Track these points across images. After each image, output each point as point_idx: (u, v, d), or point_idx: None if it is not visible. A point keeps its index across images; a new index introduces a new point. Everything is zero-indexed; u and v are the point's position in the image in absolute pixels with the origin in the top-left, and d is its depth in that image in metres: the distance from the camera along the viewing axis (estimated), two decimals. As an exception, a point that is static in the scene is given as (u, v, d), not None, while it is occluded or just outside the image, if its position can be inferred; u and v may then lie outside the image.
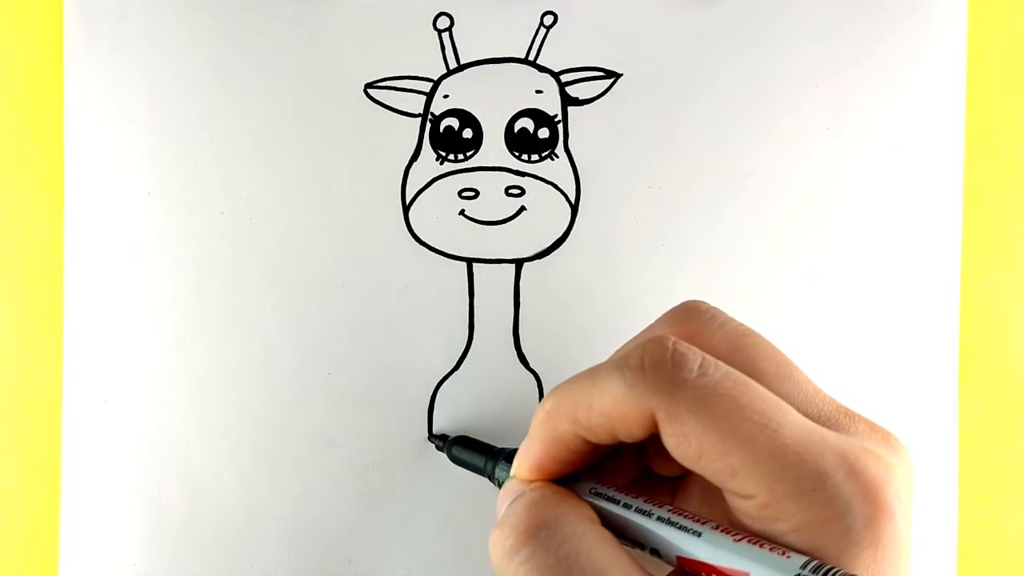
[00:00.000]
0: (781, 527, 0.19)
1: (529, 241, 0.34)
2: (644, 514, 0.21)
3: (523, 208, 0.34)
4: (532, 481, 0.23)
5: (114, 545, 0.33)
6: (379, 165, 0.34)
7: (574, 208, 0.34)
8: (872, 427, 0.21)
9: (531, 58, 0.34)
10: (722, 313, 0.23)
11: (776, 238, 0.34)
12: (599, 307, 0.34)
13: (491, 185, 0.34)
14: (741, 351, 0.22)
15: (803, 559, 0.18)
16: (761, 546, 0.19)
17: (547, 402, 0.22)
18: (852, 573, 0.18)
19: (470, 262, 0.34)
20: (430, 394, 0.34)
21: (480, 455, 0.30)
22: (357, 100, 0.34)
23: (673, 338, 0.21)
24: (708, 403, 0.20)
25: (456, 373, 0.34)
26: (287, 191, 0.34)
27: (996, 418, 0.35)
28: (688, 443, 0.20)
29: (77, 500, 0.34)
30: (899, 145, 0.34)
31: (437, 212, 0.34)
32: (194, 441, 0.33)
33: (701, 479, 0.21)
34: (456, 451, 0.31)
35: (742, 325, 0.23)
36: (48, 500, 0.34)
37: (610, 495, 0.22)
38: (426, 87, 0.34)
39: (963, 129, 0.34)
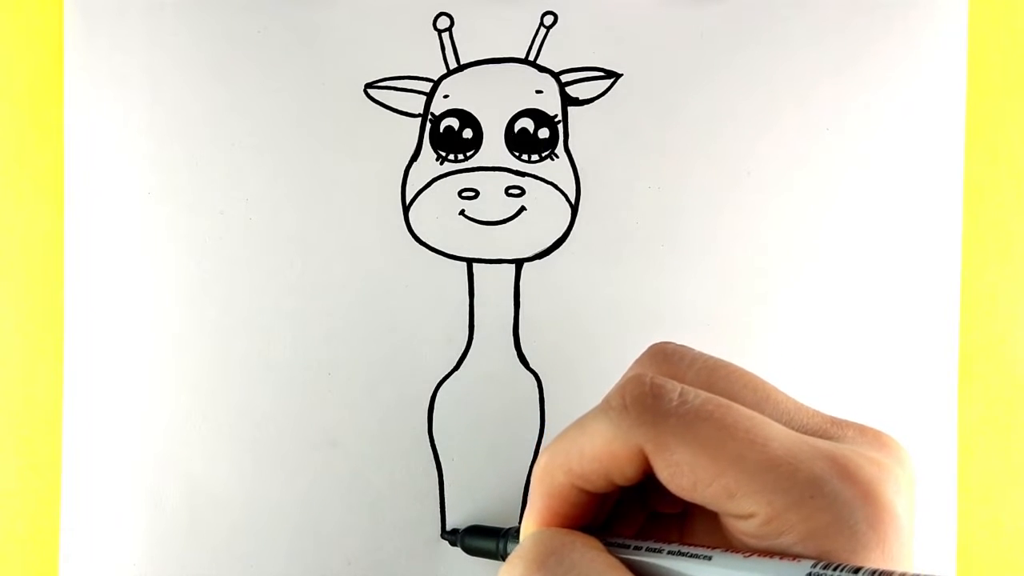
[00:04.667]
0: (787, 540, 0.19)
1: (529, 241, 0.34)
2: (654, 552, 0.21)
3: (523, 208, 0.34)
4: None
5: (114, 545, 0.33)
6: (379, 165, 0.34)
7: (574, 208, 0.34)
8: (862, 430, 0.21)
9: (531, 58, 0.34)
10: (691, 350, 0.23)
11: (776, 238, 0.34)
12: (599, 307, 0.34)
13: (491, 185, 0.34)
14: (715, 384, 0.22)
15: (812, 561, 0.18)
16: (771, 557, 0.19)
17: (542, 458, 0.23)
18: (860, 566, 0.18)
19: (470, 262, 0.34)
20: (430, 394, 0.34)
21: (490, 538, 0.30)
22: (357, 100, 0.34)
23: (650, 373, 0.21)
24: (693, 428, 0.20)
25: (456, 373, 0.34)
26: (287, 191, 0.34)
27: (995, 418, 0.35)
28: (681, 471, 0.20)
29: (77, 500, 0.34)
30: (899, 144, 0.34)
31: (437, 212, 0.34)
32: (194, 441, 0.34)
33: (702, 511, 0.21)
34: (468, 540, 0.32)
35: (712, 358, 0.23)
36: (49, 500, 0.34)
37: (619, 542, 0.22)
38: (426, 87, 0.34)
39: (963, 128, 0.34)
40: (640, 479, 0.21)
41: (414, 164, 0.34)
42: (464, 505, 0.33)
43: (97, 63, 0.34)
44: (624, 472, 0.21)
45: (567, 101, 0.34)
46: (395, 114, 0.34)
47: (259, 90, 0.34)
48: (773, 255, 0.34)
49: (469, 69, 0.34)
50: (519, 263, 0.34)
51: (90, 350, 0.34)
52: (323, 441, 0.34)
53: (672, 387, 0.21)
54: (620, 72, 0.34)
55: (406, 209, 0.34)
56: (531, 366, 0.34)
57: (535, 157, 0.34)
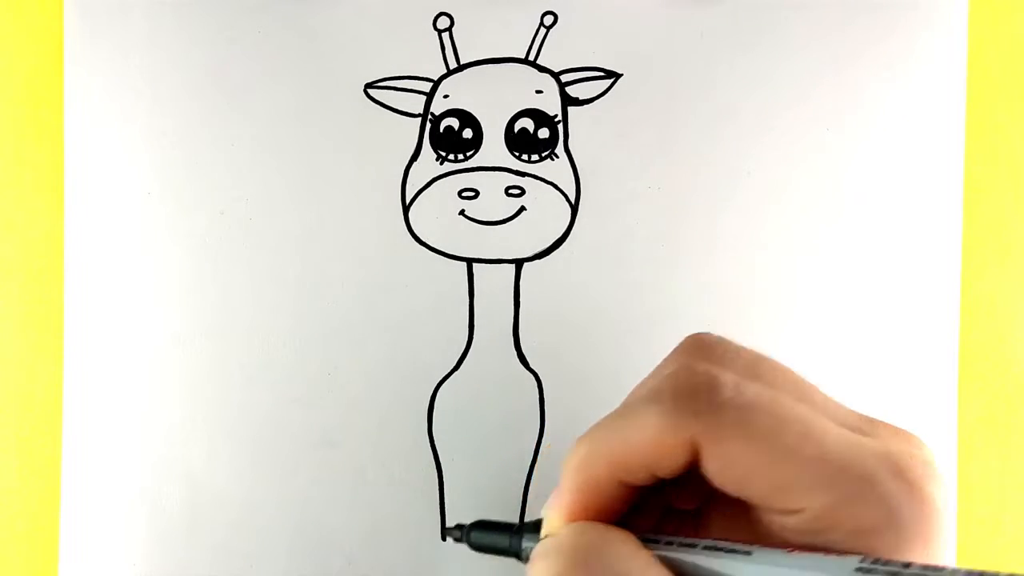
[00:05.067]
0: (833, 536, 0.19)
1: (529, 241, 0.34)
2: (688, 548, 0.21)
3: (523, 208, 0.34)
4: None
5: (114, 545, 0.33)
6: (379, 165, 0.34)
7: (574, 208, 0.34)
8: (896, 430, 0.21)
9: (531, 58, 0.34)
10: (731, 342, 0.23)
11: (776, 238, 0.34)
12: (599, 307, 0.34)
13: (491, 185, 0.34)
14: (759, 378, 0.21)
15: (860, 556, 0.18)
16: (815, 552, 0.19)
17: (580, 449, 0.22)
18: (911, 562, 0.18)
19: (470, 262, 0.34)
20: (430, 394, 0.34)
21: (502, 533, 0.28)
22: (357, 100, 0.34)
23: (702, 364, 0.21)
24: (750, 420, 0.19)
25: (456, 373, 0.34)
26: (287, 191, 0.34)
27: (995, 418, 0.35)
28: (734, 464, 0.19)
29: (77, 500, 0.34)
30: (899, 145, 0.34)
31: (437, 212, 0.34)
32: (194, 441, 0.34)
33: (723, 507, 0.21)
34: (476, 536, 0.29)
35: (753, 351, 0.22)
36: (48, 500, 0.34)
37: (651, 537, 0.21)
38: (426, 87, 0.34)
39: (963, 128, 0.34)
40: (683, 472, 0.21)
41: (414, 164, 0.34)
42: (464, 505, 0.33)
43: (97, 63, 0.34)
44: (671, 464, 0.20)
45: (567, 101, 0.34)
46: (395, 114, 0.34)
47: (259, 90, 0.34)
48: (773, 255, 0.34)
49: (469, 69, 0.34)
50: (519, 263, 0.34)
51: (90, 350, 0.34)
52: (323, 441, 0.34)
53: (728, 378, 0.20)
54: (620, 72, 0.34)
55: (406, 209, 0.34)
56: (531, 366, 0.34)
57: (535, 157, 0.34)
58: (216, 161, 0.34)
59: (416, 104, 0.34)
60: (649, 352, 0.33)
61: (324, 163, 0.34)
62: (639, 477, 0.21)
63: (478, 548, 0.29)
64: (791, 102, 0.34)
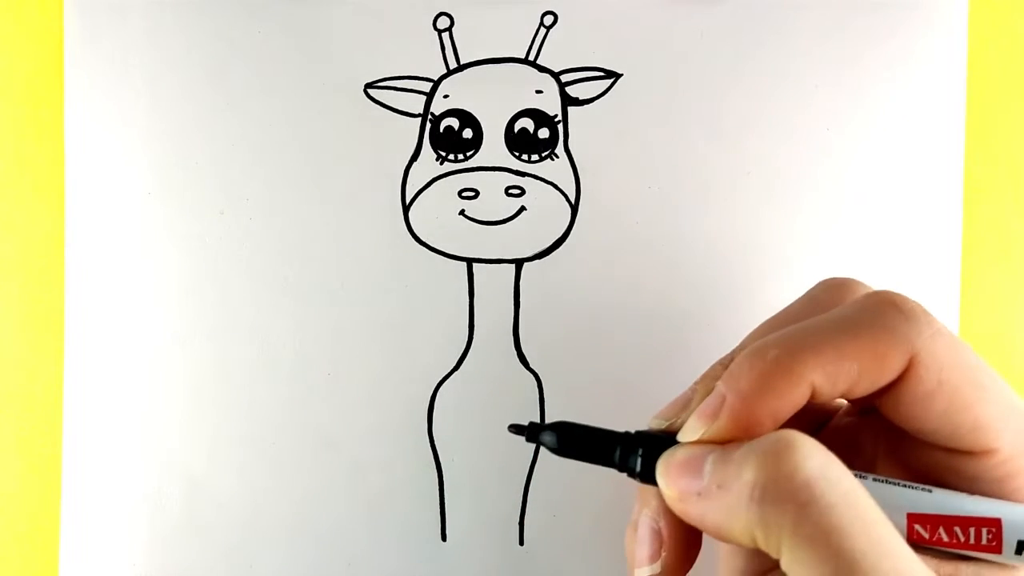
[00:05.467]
0: (1006, 486, 0.19)
1: (529, 241, 0.34)
2: (859, 477, 0.19)
3: (523, 208, 0.34)
4: (726, 443, 0.19)
5: (114, 545, 0.33)
6: (379, 165, 0.34)
7: (574, 208, 0.34)
8: None
9: (531, 58, 0.34)
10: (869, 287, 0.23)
11: (776, 238, 0.34)
12: (599, 307, 0.34)
13: (491, 185, 0.34)
14: None
15: None
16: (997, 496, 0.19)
17: (774, 349, 0.20)
18: None
19: (470, 262, 0.34)
20: (430, 394, 0.34)
21: (600, 441, 0.24)
22: (357, 100, 0.34)
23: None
24: (962, 352, 0.19)
25: (456, 373, 0.34)
26: (287, 191, 0.34)
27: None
28: (940, 392, 0.19)
29: (78, 501, 0.34)
30: (899, 145, 0.34)
31: (437, 212, 0.34)
32: (194, 441, 0.34)
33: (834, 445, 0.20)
34: (561, 439, 0.24)
35: None
36: (49, 501, 0.34)
37: None
38: (426, 87, 0.34)
39: (963, 129, 0.34)
40: (868, 394, 0.20)
41: (414, 164, 0.34)
42: (464, 505, 0.33)
43: (97, 63, 0.34)
44: (880, 378, 0.20)
45: (567, 101, 0.34)
46: (395, 114, 0.34)
47: (259, 90, 0.34)
48: (773, 255, 0.34)
49: (469, 69, 0.34)
50: (519, 263, 0.34)
51: (90, 350, 0.34)
52: (323, 441, 0.34)
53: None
54: (620, 72, 0.34)
55: (406, 209, 0.34)
56: (531, 366, 0.34)
57: (535, 157, 0.34)
58: (216, 161, 0.34)
59: (416, 104, 0.34)
60: (649, 352, 0.33)
61: (324, 163, 0.34)
62: (835, 391, 0.20)
63: (563, 452, 0.25)
64: (791, 102, 0.34)
